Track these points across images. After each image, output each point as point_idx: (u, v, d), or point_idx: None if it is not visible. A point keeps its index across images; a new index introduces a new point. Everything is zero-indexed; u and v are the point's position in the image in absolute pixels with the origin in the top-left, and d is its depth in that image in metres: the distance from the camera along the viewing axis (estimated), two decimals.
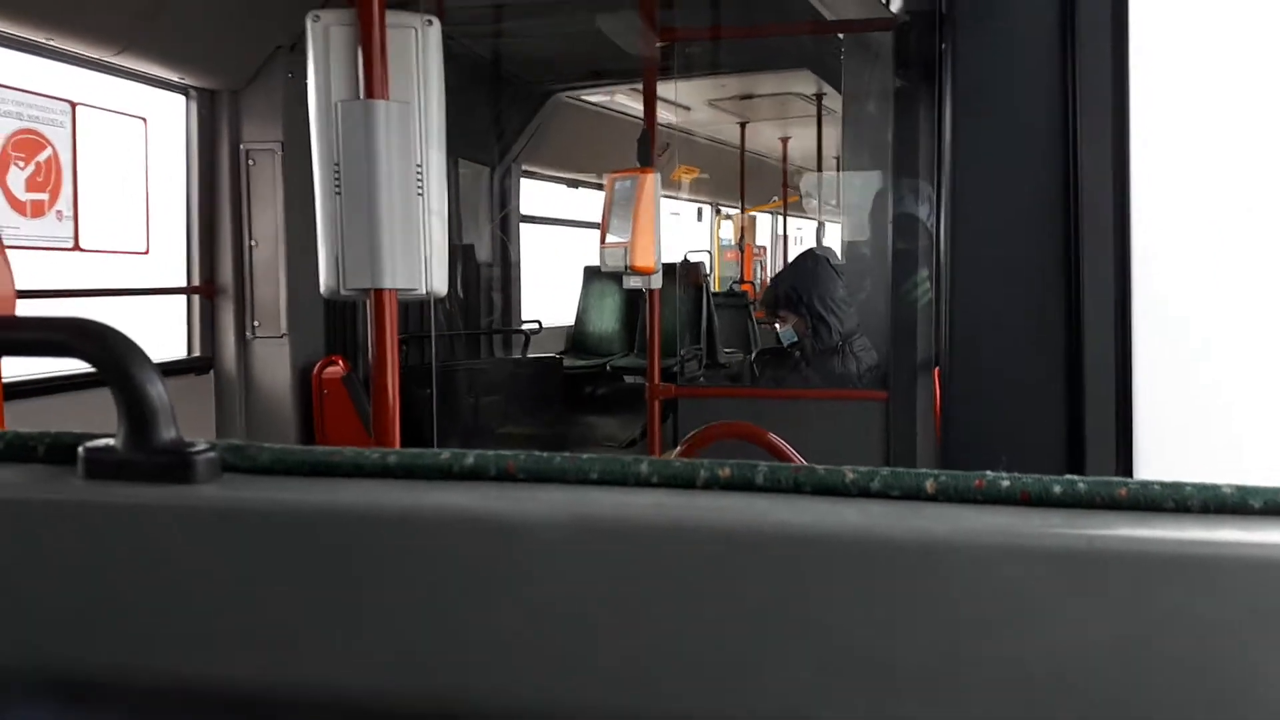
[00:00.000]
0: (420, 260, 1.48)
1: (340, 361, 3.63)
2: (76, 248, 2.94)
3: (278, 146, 3.53)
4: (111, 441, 0.46)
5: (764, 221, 10.23)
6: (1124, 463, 0.81)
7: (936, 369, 2.83)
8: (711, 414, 2.53)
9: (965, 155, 0.91)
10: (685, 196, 8.42)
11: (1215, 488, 0.41)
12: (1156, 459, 0.85)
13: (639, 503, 0.43)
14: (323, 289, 1.49)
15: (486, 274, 5.23)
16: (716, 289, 7.86)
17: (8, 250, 1.45)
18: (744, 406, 3.11)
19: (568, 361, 5.37)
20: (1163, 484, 0.41)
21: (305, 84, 1.52)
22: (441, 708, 0.41)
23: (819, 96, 6.28)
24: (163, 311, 3.68)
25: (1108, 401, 0.85)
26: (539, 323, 5.23)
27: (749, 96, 6.46)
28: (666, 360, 4.37)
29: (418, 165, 1.49)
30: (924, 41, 2.96)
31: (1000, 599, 0.38)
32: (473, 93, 4.91)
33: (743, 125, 7.45)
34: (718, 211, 9.49)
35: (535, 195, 6.15)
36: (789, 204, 9.92)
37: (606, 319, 5.95)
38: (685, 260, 6.07)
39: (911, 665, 0.38)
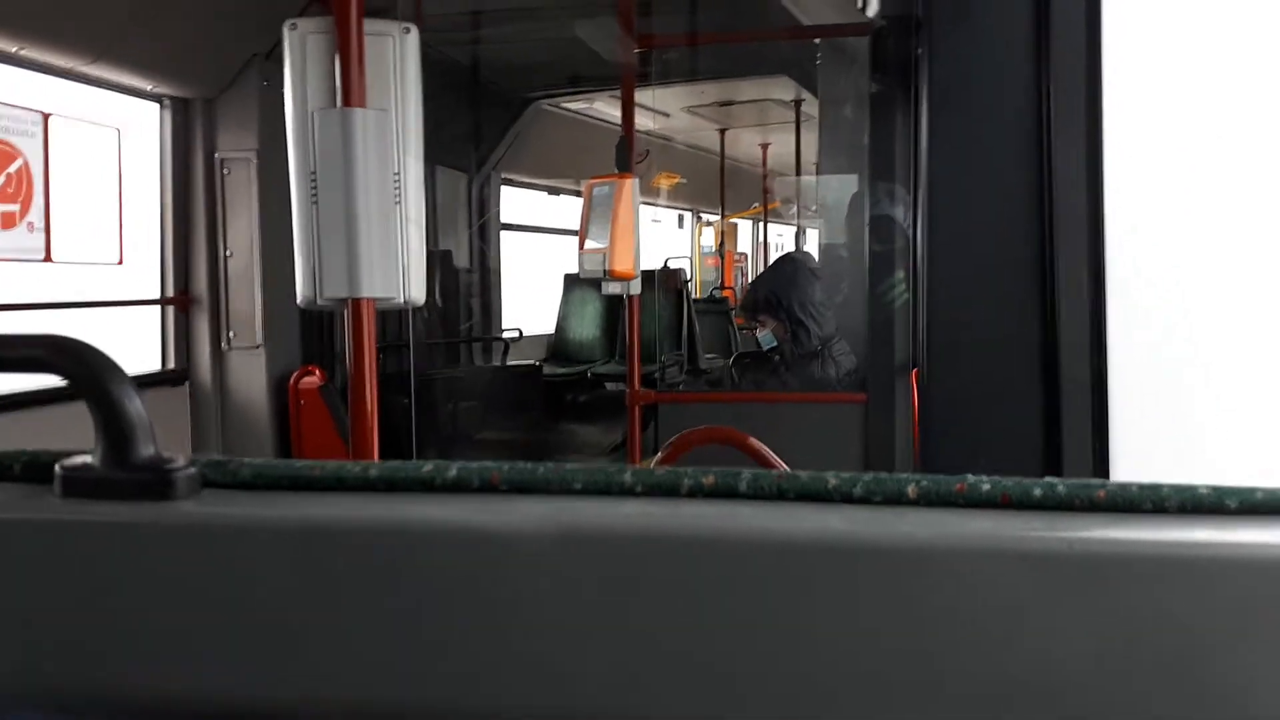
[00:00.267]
0: (398, 269, 1.47)
1: (317, 371, 3.61)
2: (48, 259, 2.91)
3: (253, 155, 3.51)
4: (89, 459, 0.46)
5: (745, 227, 10.27)
6: (1100, 462, 0.82)
7: (914, 370, 2.85)
8: (692, 419, 2.53)
9: (940, 159, 0.91)
10: (665, 203, 8.44)
11: (1192, 489, 0.41)
12: (1131, 457, 0.85)
13: (624, 512, 0.43)
14: (299, 299, 1.48)
15: (466, 281, 5.21)
16: (698, 295, 7.88)
17: None
18: (724, 411, 3.11)
19: (548, 369, 5.37)
20: (1141, 486, 0.41)
21: (281, 92, 1.51)
22: None
23: (798, 102, 6.31)
24: (137, 323, 3.65)
25: (1083, 401, 0.85)
26: (519, 330, 5.22)
27: (728, 103, 6.49)
28: (647, 366, 4.37)
29: (395, 173, 1.48)
30: (900, 46, 2.99)
31: (983, 603, 0.38)
32: (452, 100, 4.90)
33: (722, 131, 7.48)
34: (698, 218, 9.51)
35: (515, 202, 6.14)
36: (769, 210, 9.96)
37: (587, 326, 5.95)
38: (665, 266, 6.08)
39: (897, 670, 0.38)
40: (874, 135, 3.09)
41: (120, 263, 3.21)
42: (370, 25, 1.49)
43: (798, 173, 7.84)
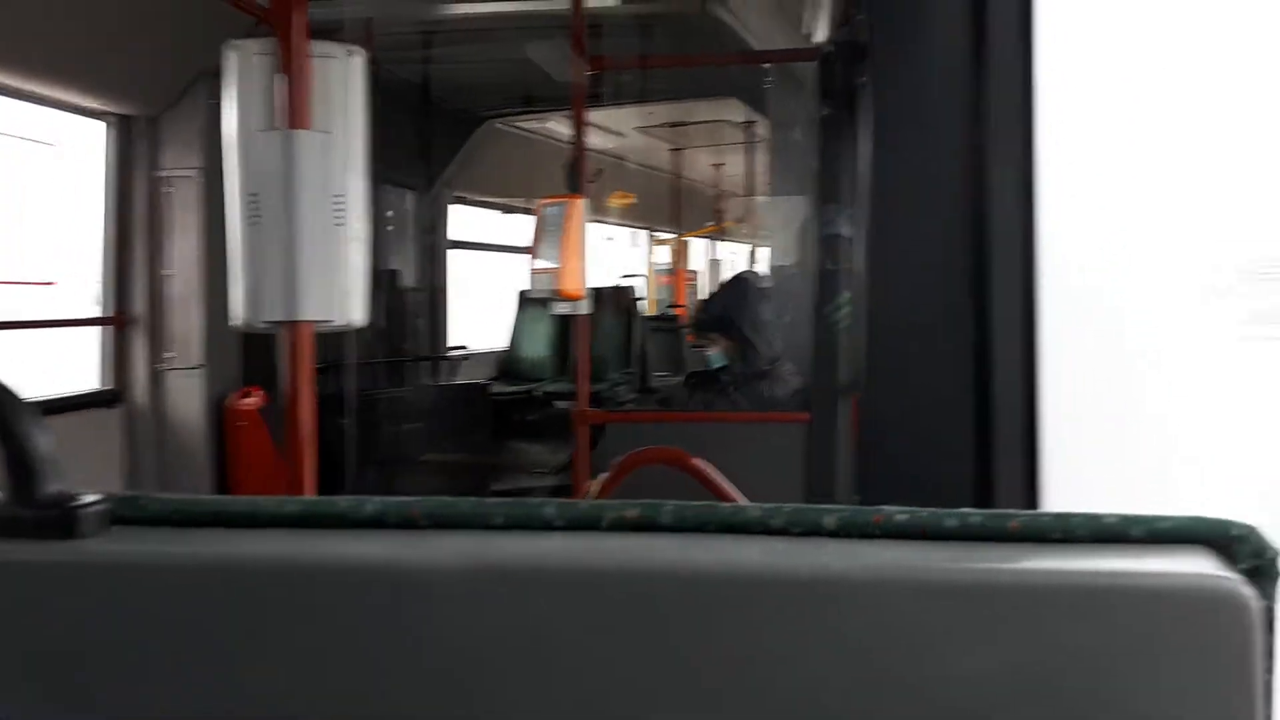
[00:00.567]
0: (338, 291, 1.46)
1: (257, 392, 3.54)
2: None
3: (197, 174, 3.45)
4: None
5: (698, 246, 10.34)
6: (1029, 484, 0.84)
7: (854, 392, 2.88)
8: (640, 439, 2.53)
9: (882, 182, 0.93)
10: (619, 221, 8.46)
11: (1099, 517, 0.42)
12: (1063, 479, 0.87)
13: (544, 548, 0.43)
14: (236, 321, 1.46)
15: (413, 300, 5.16)
16: (651, 312, 7.90)
17: None
18: (672, 431, 3.12)
19: (497, 387, 5.33)
20: (1053, 515, 0.42)
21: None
22: None
23: (749, 124, 6.38)
24: (70, 344, 3.55)
25: (1016, 423, 0.87)
26: (465, 348, 5.18)
27: (680, 124, 6.54)
28: (597, 385, 4.36)
29: (337, 195, 1.47)
30: (846, 72, 3.03)
31: (896, 633, 0.38)
32: (403, 118, 4.87)
33: (675, 151, 7.53)
34: (652, 236, 9.55)
35: (469, 221, 6.11)
36: (722, 229, 10.03)
37: (539, 344, 5.93)
38: (617, 285, 6.08)
39: (812, 699, 0.39)
40: (822, 158, 3.13)
41: (54, 283, 3.13)
42: (316, 48, 1.48)
43: (749, 193, 7.91)
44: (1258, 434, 0.83)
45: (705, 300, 3.93)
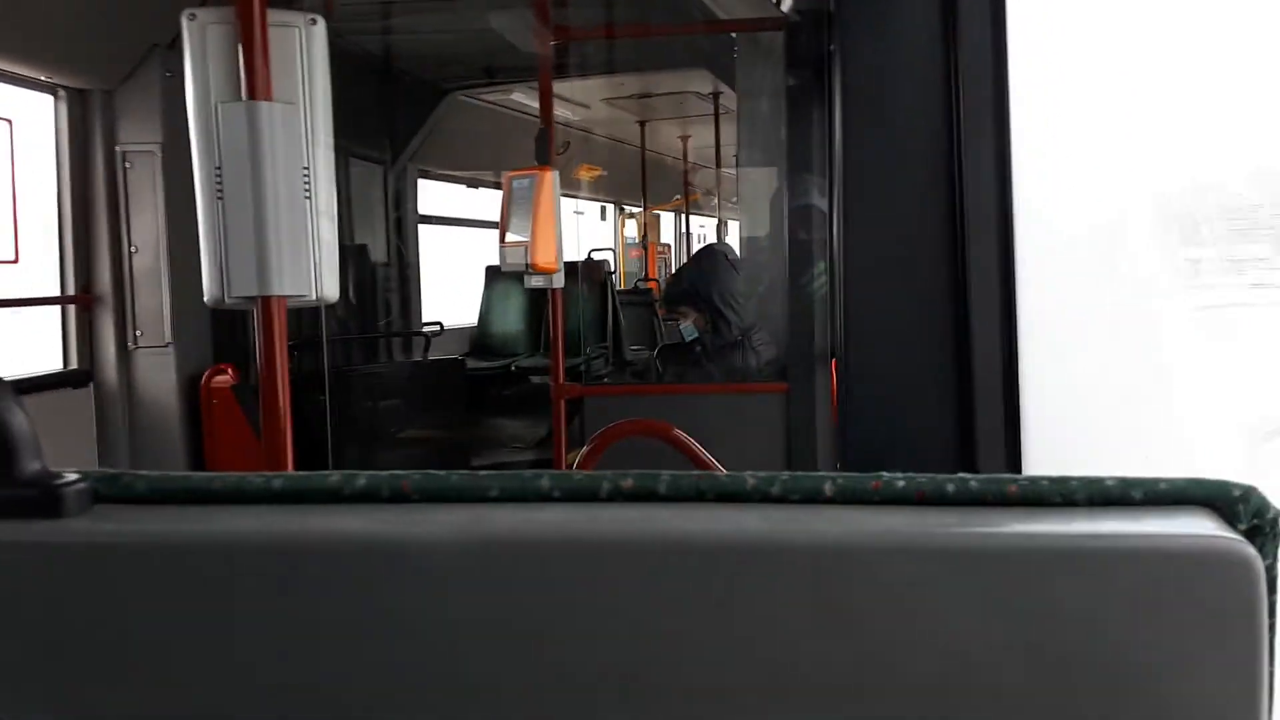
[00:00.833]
0: (310, 265, 1.43)
1: (230, 370, 3.50)
2: None
3: (157, 148, 3.38)
4: None
5: (668, 219, 10.30)
6: (1012, 453, 0.84)
7: (834, 360, 2.90)
8: (617, 411, 2.53)
9: (854, 151, 0.92)
10: (587, 195, 8.41)
11: (1099, 481, 0.42)
12: (1043, 444, 0.88)
13: (541, 519, 0.43)
14: (206, 298, 1.43)
15: (384, 275, 5.11)
16: (622, 286, 7.88)
17: None
18: (648, 403, 3.12)
19: (471, 363, 5.30)
20: (1050, 479, 0.42)
21: (184, 83, 1.46)
22: None
23: (716, 95, 6.34)
24: (36, 323, 3.48)
25: (996, 391, 0.87)
26: (440, 324, 5.14)
27: (647, 95, 6.49)
28: (572, 359, 4.35)
29: (305, 168, 1.44)
30: (814, 40, 3.02)
31: (897, 598, 0.39)
32: (366, 91, 4.79)
33: (642, 124, 7.48)
34: (621, 210, 9.50)
35: (435, 195, 6.04)
36: (691, 202, 10.00)
37: (511, 319, 5.90)
38: (589, 259, 6.05)
39: (813, 666, 0.39)
40: (791, 128, 3.13)
41: (15, 261, 3.05)
42: (275, 16, 1.44)
43: (718, 165, 7.89)
44: (1222, 398, 0.84)
45: (674, 274, 3.93)
